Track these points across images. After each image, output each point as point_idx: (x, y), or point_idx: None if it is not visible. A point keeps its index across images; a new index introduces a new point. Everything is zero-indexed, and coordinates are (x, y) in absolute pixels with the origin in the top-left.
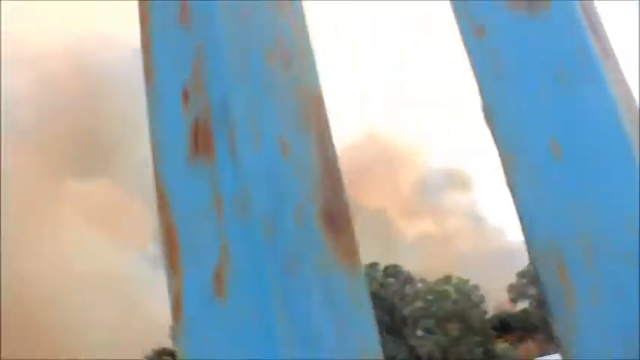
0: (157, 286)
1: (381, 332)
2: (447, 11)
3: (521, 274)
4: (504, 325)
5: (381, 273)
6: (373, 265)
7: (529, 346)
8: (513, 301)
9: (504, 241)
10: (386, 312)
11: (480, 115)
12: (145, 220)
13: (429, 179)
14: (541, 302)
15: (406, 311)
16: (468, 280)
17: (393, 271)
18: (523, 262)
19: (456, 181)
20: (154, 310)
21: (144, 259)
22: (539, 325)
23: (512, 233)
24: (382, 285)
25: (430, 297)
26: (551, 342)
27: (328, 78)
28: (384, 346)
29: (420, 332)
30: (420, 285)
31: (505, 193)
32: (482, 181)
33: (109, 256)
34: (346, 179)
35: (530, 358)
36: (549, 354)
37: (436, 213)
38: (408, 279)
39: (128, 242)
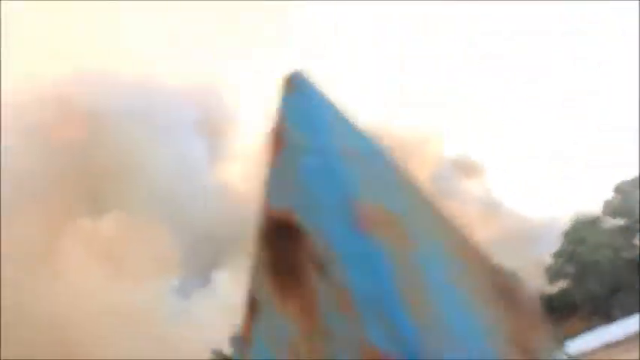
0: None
1: None
2: (444, 11)
3: (558, 254)
4: (547, 306)
5: None
6: None
7: (572, 324)
8: (551, 281)
9: (521, 225)
10: None
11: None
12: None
13: (441, 168)
14: (580, 279)
15: None
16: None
17: None
18: (542, 244)
19: (467, 168)
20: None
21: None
22: (580, 304)
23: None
24: None
25: None
26: (593, 319)
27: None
28: None
29: None
30: None
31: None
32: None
33: (134, 290)
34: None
35: (575, 335)
36: (594, 329)
37: (451, 200)
38: None
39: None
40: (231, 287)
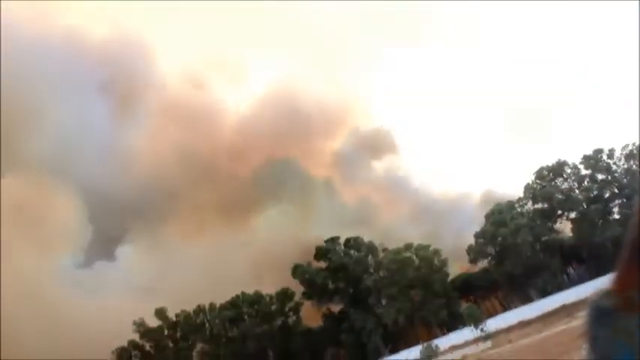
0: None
1: (347, 304)
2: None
3: (479, 234)
4: (467, 285)
5: (342, 246)
6: (334, 240)
7: (493, 302)
8: (473, 261)
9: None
10: (350, 284)
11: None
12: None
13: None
14: (500, 260)
15: (369, 281)
16: (429, 246)
17: (354, 243)
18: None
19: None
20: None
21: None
22: (500, 282)
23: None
24: (346, 255)
25: (393, 266)
26: (513, 297)
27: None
28: (351, 317)
29: (384, 300)
30: (382, 254)
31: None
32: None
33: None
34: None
35: (495, 313)
36: (511, 308)
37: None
38: (370, 249)
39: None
40: (135, 255)
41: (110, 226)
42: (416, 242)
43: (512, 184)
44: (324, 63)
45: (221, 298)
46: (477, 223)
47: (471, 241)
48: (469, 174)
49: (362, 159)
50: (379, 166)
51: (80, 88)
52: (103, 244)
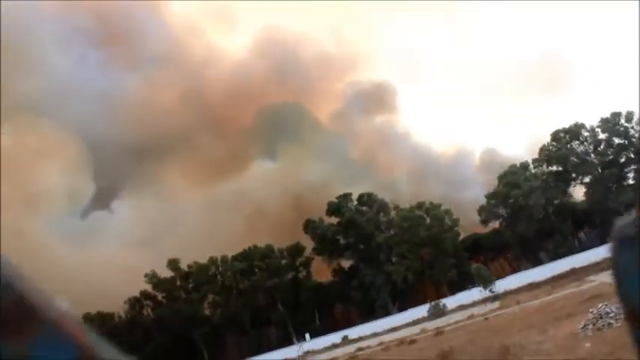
0: None
1: (357, 260)
2: None
3: (491, 196)
4: (477, 246)
5: (355, 202)
6: (346, 195)
7: (502, 264)
8: (484, 222)
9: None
10: (361, 240)
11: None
12: None
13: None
14: (511, 222)
15: (380, 238)
16: (440, 205)
17: (367, 199)
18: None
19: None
20: None
21: None
22: (510, 243)
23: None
24: (358, 212)
25: (405, 224)
26: (522, 259)
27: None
28: (361, 273)
29: (394, 258)
30: (393, 212)
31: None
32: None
33: None
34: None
35: (504, 275)
36: (520, 270)
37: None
38: (382, 206)
39: None
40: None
41: (107, 175)
42: (412, 198)
43: (514, 145)
44: (326, 15)
45: (216, 250)
46: (478, 182)
47: (469, 198)
48: (470, 133)
49: (361, 113)
50: (378, 120)
51: (79, 37)
52: (100, 194)
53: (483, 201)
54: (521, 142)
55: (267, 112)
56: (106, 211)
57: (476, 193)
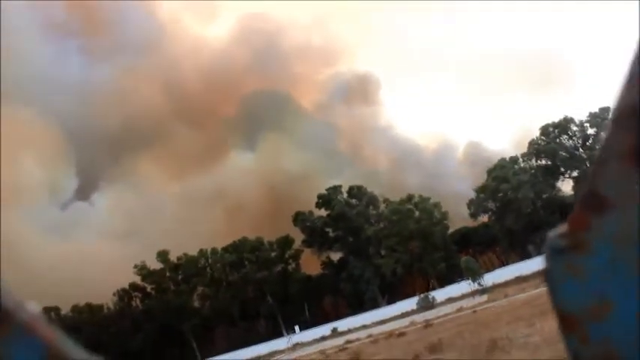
0: None
1: (346, 253)
2: None
3: (480, 189)
4: (466, 240)
5: (345, 194)
6: (336, 188)
7: (491, 257)
8: (473, 216)
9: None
10: (351, 233)
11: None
12: None
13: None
14: (500, 215)
15: (370, 231)
16: (429, 198)
17: (357, 192)
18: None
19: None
20: None
21: None
22: (499, 237)
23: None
24: (347, 206)
25: (394, 217)
26: (511, 253)
27: None
28: (350, 266)
29: (383, 251)
30: (382, 205)
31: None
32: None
33: None
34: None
35: (493, 268)
36: (509, 264)
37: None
38: (372, 199)
39: None
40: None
41: (87, 166)
42: (393, 190)
43: (500, 139)
44: (311, 4)
45: (195, 241)
46: (461, 175)
47: (451, 191)
48: (455, 126)
49: (343, 104)
50: (361, 112)
51: (58, 25)
52: (80, 185)
53: (466, 194)
54: (507, 137)
55: (248, 101)
56: (87, 203)
57: (458, 186)
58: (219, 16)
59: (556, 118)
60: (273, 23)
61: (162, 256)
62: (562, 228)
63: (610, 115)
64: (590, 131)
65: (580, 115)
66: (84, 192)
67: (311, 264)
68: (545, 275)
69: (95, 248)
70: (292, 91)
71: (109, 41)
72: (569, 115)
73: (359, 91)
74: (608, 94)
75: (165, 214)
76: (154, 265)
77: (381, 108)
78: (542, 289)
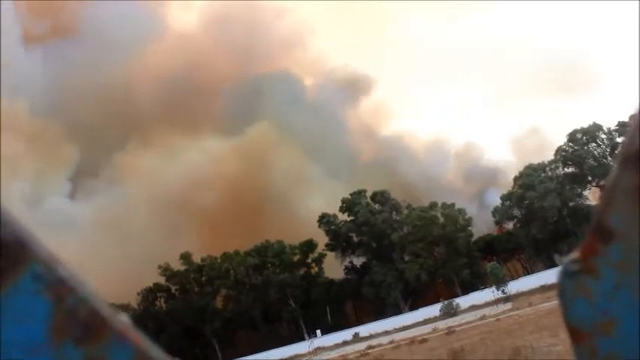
0: None
1: (370, 258)
2: None
3: (506, 197)
4: (490, 247)
5: (369, 200)
6: (361, 192)
7: (515, 265)
8: (498, 223)
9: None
10: (374, 239)
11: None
12: None
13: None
14: (525, 223)
15: (394, 237)
16: (453, 204)
17: (380, 197)
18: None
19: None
20: None
21: None
22: (524, 245)
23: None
24: (371, 212)
25: (419, 223)
26: (536, 261)
27: None
28: (373, 271)
29: (407, 257)
30: (406, 211)
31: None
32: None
33: None
34: None
35: (517, 277)
36: (534, 272)
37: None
38: (396, 205)
39: None
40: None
41: (61, 160)
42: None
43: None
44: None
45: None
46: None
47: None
48: (449, 125)
49: (333, 96)
50: (352, 105)
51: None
52: (55, 176)
53: (490, 202)
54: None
55: (229, 90)
56: (66, 198)
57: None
58: (197, 7)
59: (579, 124)
60: (247, 9)
61: (186, 258)
62: (575, 254)
63: (619, 154)
64: (619, 139)
65: (607, 122)
66: (58, 182)
67: (334, 268)
68: (559, 294)
69: (77, 244)
70: (281, 81)
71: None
72: (597, 121)
73: (351, 84)
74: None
75: (140, 208)
76: (177, 265)
77: (369, 101)
78: None
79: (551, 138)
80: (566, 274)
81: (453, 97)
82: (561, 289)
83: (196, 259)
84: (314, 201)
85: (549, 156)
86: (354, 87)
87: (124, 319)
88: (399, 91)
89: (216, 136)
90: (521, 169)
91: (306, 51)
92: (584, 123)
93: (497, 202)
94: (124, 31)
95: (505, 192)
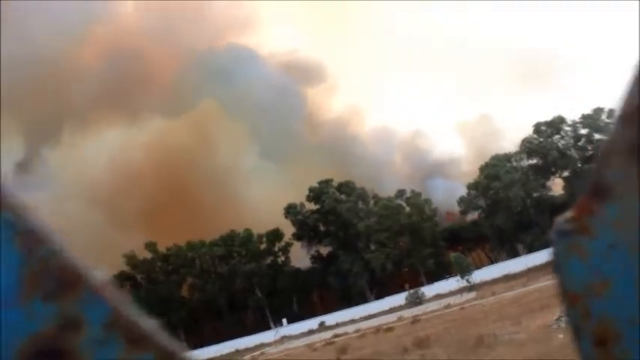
0: None
1: (336, 248)
2: None
3: (472, 186)
4: (456, 237)
5: (334, 189)
6: (327, 182)
7: (480, 254)
8: (463, 213)
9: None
10: (340, 228)
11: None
12: None
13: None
14: (490, 213)
15: (361, 226)
16: (420, 194)
17: (346, 187)
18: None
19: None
20: None
21: None
22: (489, 235)
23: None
24: (337, 201)
25: (385, 212)
26: (500, 251)
27: None
28: (339, 260)
29: (373, 246)
30: (372, 201)
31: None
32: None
33: None
34: None
35: (481, 266)
36: (498, 262)
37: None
38: (361, 195)
39: None
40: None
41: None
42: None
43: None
44: None
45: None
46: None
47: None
48: (399, 113)
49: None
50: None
51: None
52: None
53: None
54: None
55: (175, 73)
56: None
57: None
58: None
59: (544, 117)
60: None
61: (151, 246)
62: (569, 213)
63: (617, 111)
64: (583, 132)
65: (571, 114)
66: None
67: (300, 257)
68: (552, 255)
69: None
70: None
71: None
72: (561, 114)
73: (303, 69)
74: (601, 95)
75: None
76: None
77: (317, 87)
78: (530, 288)
79: (502, 127)
80: (559, 234)
81: (406, 86)
82: (555, 249)
83: (140, 248)
84: (254, 186)
85: (504, 146)
86: (303, 72)
87: (99, 276)
88: (354, 78)
89: (157, 119)
90: (471, 159)
91: (253, 34)
92: (547, 116)
93: (442, 190)
94: (57, 19)
95: (451, 181)
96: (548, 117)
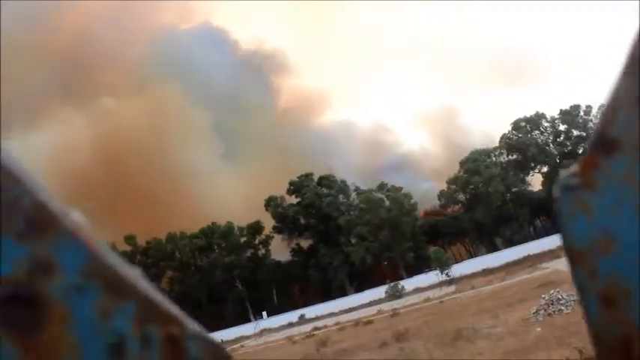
0: None
1: (316, 241)
2: None
3: (452, 181)
4: (435, 230)
5: (315, 183)
6: (308, 175)
7: (459, 249)
8: (443, 207)
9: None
10: (321, 222)
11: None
12: None
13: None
14: (470, 208)
15: (341, 220)
16: (401, 188)
17: (327, 181)
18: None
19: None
20: None
21: None
22: (468, 229)
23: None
24: (317, 195)
25: (365, 206)
26: (479, 245)
27: None
28: (319, 253)
29: (353, 240)
30: (353, 194)
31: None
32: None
33: None
34: None
35: (461, 260)
36: (477, 256)
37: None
38: (342, 188)
39: None
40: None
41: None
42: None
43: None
44: None
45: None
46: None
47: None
48: (354, 104)
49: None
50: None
51: None
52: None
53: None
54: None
55: (135, 55)
56: None
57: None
58: None
59: (524, 113)
60: None
61: (130, 239)
62: (574, 167)
63: (623, 64)
64: (561, 127)
65: (550, 111)
66: None
67: (281, 250)
68: (557, 212)
69: None
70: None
71: None
72: (540, 110)
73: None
74: (579, 91)
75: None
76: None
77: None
78: (508, 282)
79: (471, 123)
80: (564, 189)
81: (371, 78)
82: (559, 205)
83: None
84: (208, 179)
85: (473, 141)
86: (268, 60)
87: (77, 218)
88: (319, 68)
89: (112, 104)
90: (440, 154)
91: (219, 16)
92: (525, 112)
93: (403, 184)
94: (8, 5)
95: (414, 175)
96: (527, 113)
